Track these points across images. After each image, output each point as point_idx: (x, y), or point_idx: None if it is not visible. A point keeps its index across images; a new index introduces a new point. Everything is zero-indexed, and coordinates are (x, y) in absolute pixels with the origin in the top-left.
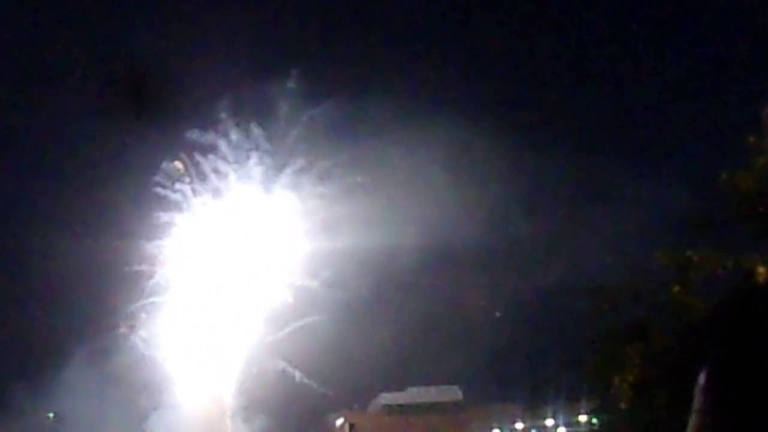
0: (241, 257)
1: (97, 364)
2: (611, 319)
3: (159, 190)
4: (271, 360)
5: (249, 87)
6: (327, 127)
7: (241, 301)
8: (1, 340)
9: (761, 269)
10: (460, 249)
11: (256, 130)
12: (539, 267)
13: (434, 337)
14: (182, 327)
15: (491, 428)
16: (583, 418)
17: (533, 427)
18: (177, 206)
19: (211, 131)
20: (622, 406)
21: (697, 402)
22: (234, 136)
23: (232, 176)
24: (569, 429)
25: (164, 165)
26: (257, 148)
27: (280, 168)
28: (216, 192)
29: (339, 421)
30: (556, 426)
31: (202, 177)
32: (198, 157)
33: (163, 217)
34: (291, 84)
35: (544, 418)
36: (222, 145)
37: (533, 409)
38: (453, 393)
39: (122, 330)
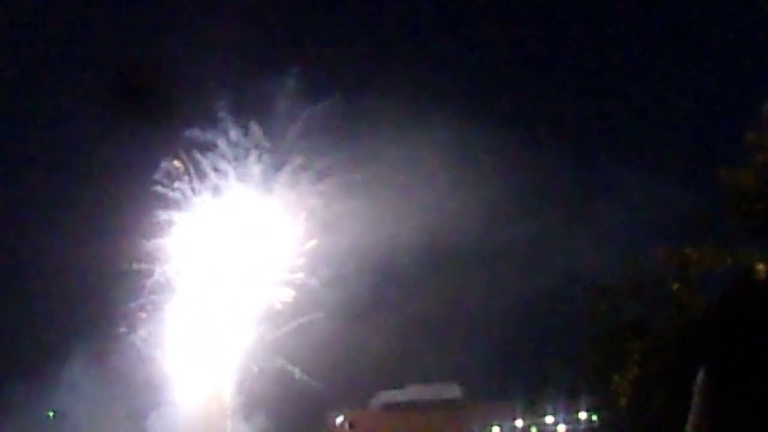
0: (240, 255)
1: (97, 363)
2: (611, 316)
3: (158, 188)
4: (271, 358)
5: (248, 85)
6: (326, 125)
7: (240, 300)
8: (2, 339)
9: (760, 266)
10: (459, 247)
11: (255, 129)
12: (539, 265)
13: (433, 334)
14: (182, 325)
15: (491, 425)
16: (582, 415)
17: (533, 424)
18: (176, 205)
19: (210, 129)
20: (622, 403)
21: (696, 399)
22: (233, 134)
23: (232, 174)
24: (569, 426)
25: (164, 163)
26: (256, 146)
27: (279, 166)
28: (215, 190)
29: (339, 419)
30: (556, 423)
31: (202, 175)
32: (197, 155)
33: (163, 215)
34: (290, 82)
35: (544, 415)
36: (221, 143)
37: (533, 406)
38: (452, 390)
39: (122, 328)
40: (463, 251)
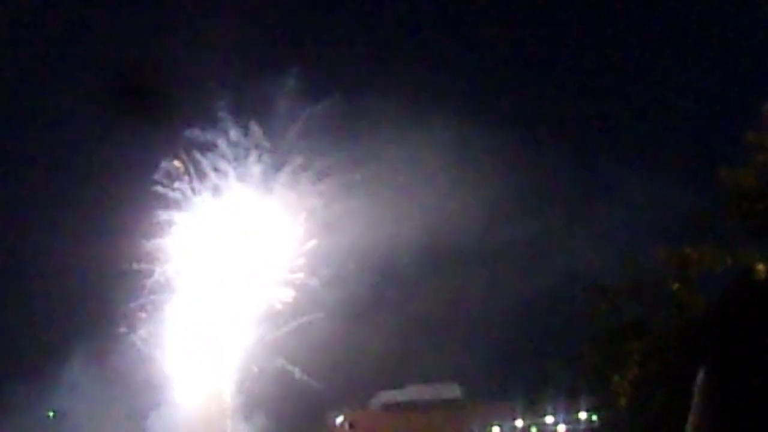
0: (240, 255)
1: (97, 363)
2: (611, 316)
3: (159, 188)
4: (271, 358)
5: (248, 85)
6: (326, 125)
7: (240, 300)
8: (2, 339)
9: (760, 266)
10: (459, 247)
11: (255, 129)
12: (539, 265)
13: (433, 334)
14: (182, 325)
15: (491, 425)
16: (583, 415)
17: (533, 424)
18: (176, 205)
19: (210, 129)
20: (622, 403)
21: (696, 399)
22: (233, 134)
23: (232, 174)
24: (569, 426)
25: (164, 163)
26: (256, 146)
27: (279, 166)
28: (215, 190)
29: (339, 419)
30: (556, 423)
31: (202, 175)
32: (197, 155)
33: (163, 215)
34: (290, 82)
35: (544, 415)
36: (221, 143)
37: (533, 406)
38: (453, 390)
39: (122, 328)
40: (463, 251)
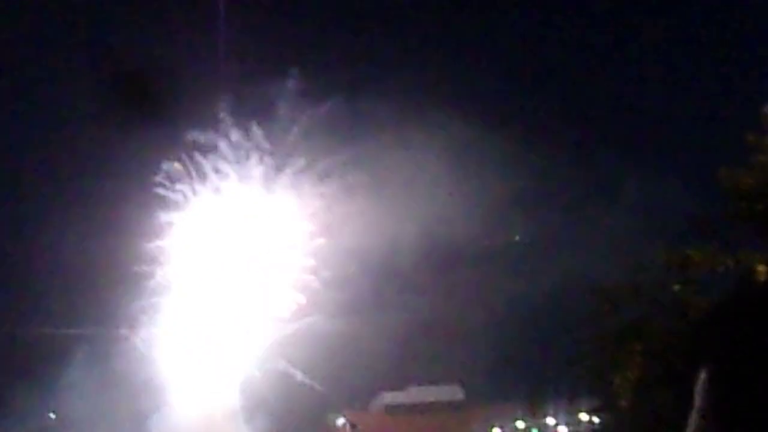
0: (241, 257)
1: (98, 365)
2: (612, 318)
3: (160, 190)
4: (272, 360)
5: (249, 87)
6: (327, 127)
7: (241, 301)
8: (3, 341)
9: (761, 267)
10: (460, 248)
11: (256, 130)
12: (540, 266)
13: (435, 336)
14: (183, 327)
15: (492, 427)
16: (583, 416)
17: (534, 426)
18: (178, 206)
19: (211, 131)
20: (623, 404)
21: (698, 401)
22: (234, 136)
23: (233, 176)
24: (570, 428)
25: (165, 165)
26: (257, 147)
27: (280, 168)
28: (216, 192)
29: (340, 421)
30: (557, 425)
31: (203, 177)
32: (198, 157)
33: (164, 217)
34: (291, 83)
35: (546, 417)
36: (222, 145)
37: (534, 408)
38: (454, 392)
39: (123, 330)
40: (464, 253)
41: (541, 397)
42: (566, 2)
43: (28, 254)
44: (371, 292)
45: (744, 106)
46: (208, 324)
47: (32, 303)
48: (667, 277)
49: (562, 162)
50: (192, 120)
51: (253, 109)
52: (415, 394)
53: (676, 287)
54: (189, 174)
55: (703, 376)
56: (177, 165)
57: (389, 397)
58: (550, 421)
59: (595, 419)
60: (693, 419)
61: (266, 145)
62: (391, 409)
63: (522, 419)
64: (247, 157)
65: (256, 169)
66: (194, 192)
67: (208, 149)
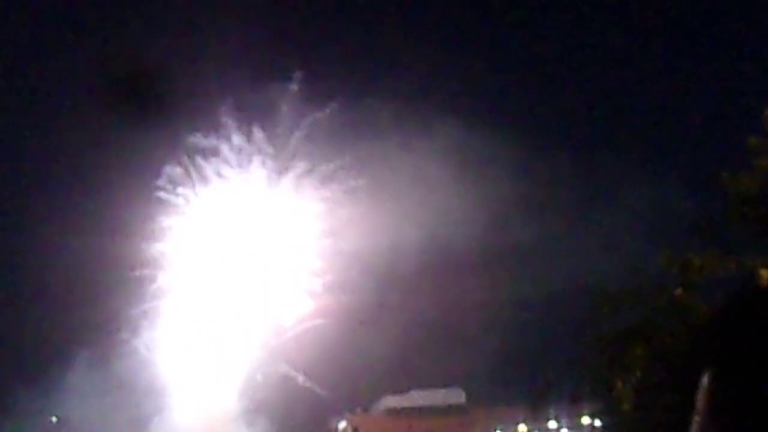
0: (243, 261)
1: (99, 368)
2: (614, 321)
3: (161, 193)
4: (274, 363)
5: (251, 90)
6: (329, 131)
7: (243, 305)
8: (5, 344)
9: (763, 272)
10: (463, 252)
11: (258, 134)
12: (542, 270)
13: (437, 339)
14: (185, 331)
15: (495, 430)
16: (586, 420)
17: (536, 429)
18: (179, 210)
19: (213, 135)
20: (625, 408)
21: (700, 404)
22: (236, 139)
23: (235, 180)
24: (572, 431)
25: (167, 169)
26: (260, 151)
27: (282, 171)
28: (218, 196)
29: (342, 425)
30: (559, 428)
31: (205, 181)
32: (200, 160)
33: (166, 220)
34: (293, 87)
35: (548, 420)
36: (224, 148)
37: (537, 412)
38: (456, 395)
39: (125, 334)
40: (466, 256)
41: (544, 400)
42: (570, 8)
43: (30, 258)
44: (373, 296)
45: (746, 109)
46: (209, 328)
47: (34, 307)
48: (669, 281)
49: (564, 166)
50: (194, 123)
51: (255, 113)
52: (417, 398)
53: (679, 291)
54: (191, 178)
55: (706, 380)
56: (179, 169)
57: (391, 401)
58: (552, 424)
59: (597, 422)
60: (696, 423)
61: (268, 149)
62: (393, 413)
63: (524, 423)
64: (249, 161)
65: (257, 172)
66: (196, 196)
67: (210, 153)
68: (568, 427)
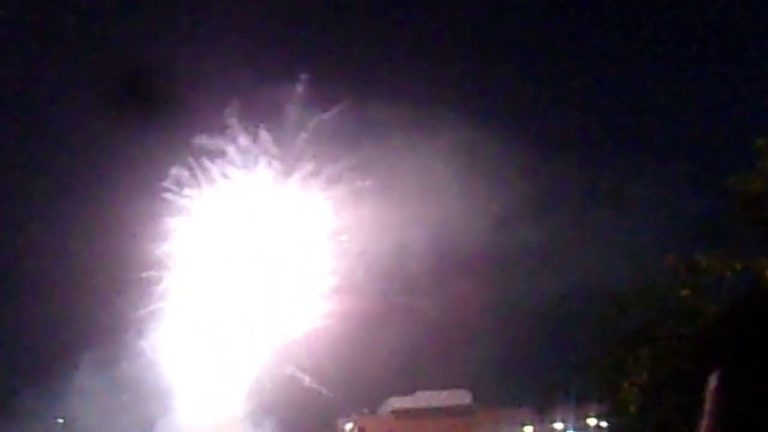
0: (249, 262)
1: (105, 370)
2: (620, 322)
3: (167, 195)
4: (281, 364)
5: (258, 92)
6: (336, 132)
7: (249, 306)
8: (10, 345)
9: None
10: (469, 253)
11: (264, 136)
12: (548, 271)
13: (443, 341)
14: (191, 332)
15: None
16: (592, 421)
17: (542, 431)
18: (185, 211)
19: (219, 136)
20: (631, 409)
21: (708, 405)
22: (242, 141)
23: (241, 181)
24: None
25: (172, 170)
26: (266, 152)
27: (288, 173)
28: (224, 197)
29: (348, 426)
30: (565, 429)
31: (211, 182)
32: (206, 162)
33: (172, 222)
34: (300, 89)
35: (554, 422)
36: (230, 150)
37: (543, 413)
38: (463, 397)
39: (131, 335)
40: (472, 258)
41: (550, 401)
42: (575, 9)
43: (36, 259)
44: (380, 297)
45: (754, 110)
46: (215, 329)
47: (39, 308)
48: (676, 283)
49: (570, 166)
50: (200, 125)
51: (261, 115)
52: (423, 399)
53: (685, 292)
54: (197, 179)
55: (714, 381)
56: (185, 170)
57: (398, 402)
58: (559, 425)
59: (604, 424)
60: (703, 424)
61: (274, 150)
62: (400, 414)
63: (530, 424)
64: (255, 162)
65: (263, 174)
66: (202, 197)
67: (216, 154)
68: (574, 429)
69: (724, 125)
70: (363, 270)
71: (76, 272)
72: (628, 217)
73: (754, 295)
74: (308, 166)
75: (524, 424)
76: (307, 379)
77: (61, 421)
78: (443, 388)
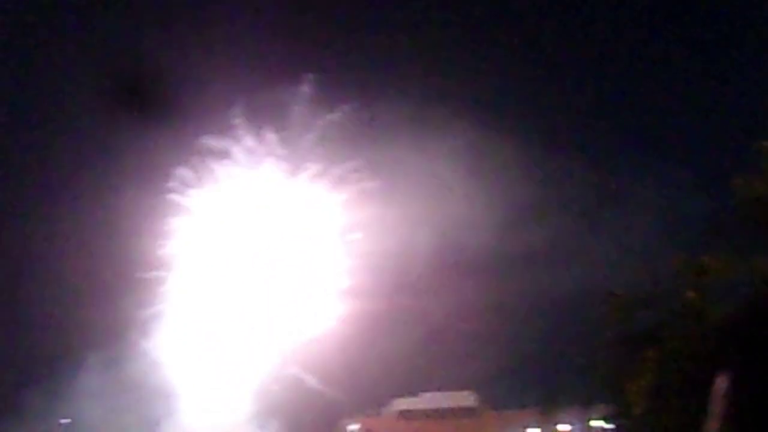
0: (254, 263)
1: (110, 370)
2: (626, 324)
3: (173, 195)
4: (286, 365)
5: (264, 92)
6: (342, 133)
7: (254, 307)
8: (15, 346)
9: None
10: (475, 254)
11: (270, 136)
12: (555, 273)
13: (449, 342)
14: (196, 333)
15: None
16: (597, 423)
17: None
18: (190, 212)
19: (225, 137)
20: (636, 411)
21: (717, 406)
22: (248, 141)
23: (246, 182)
24: None
25: (178, 171)
26: (272, 153)
27: (294, 173)
28: (230, 198)
29: (353, 427)
30: (570, 431)
31: (216, 183)
32: (212, 162)
33: (177, 222)
34: (305, 89)
35: (559, 424)
36: (236, 150)
37: (548, 415)
38: (468, 398)
39: (136, 335)
40: (478, 259)
41: (555, 403)
42: (585, 10)
43: (40, 259)
44: (385, 298)
45: (759, 112)
46: (220, 330)
47: (44, 308)
48: (682, 285)
49: (577, 168)
50: (206, 125)
51: (268, 115)
52: (428, 400)
53: (691, 294)
54: (202, 180)
55: (722, 383)
56: (190, 170)
57: (403, 403)
58: (564, 427)
59: (609, 426)
60: (712, 425)
61: (280, 151)
62: (405, 415)
63: (535, 426)
64: (261, 163)
65: (269, 174)
66: (207, 198)
67: (222, 155)
68: (580, 431)
69: (729, 127)
70: (369, 271)
71: (81, 273)
72: (634, 219)
73: (761, 298)
74: (314, 167)
75: (529, 426)
76: (312, 380)
77: (65, 421)
78: (448, 389)
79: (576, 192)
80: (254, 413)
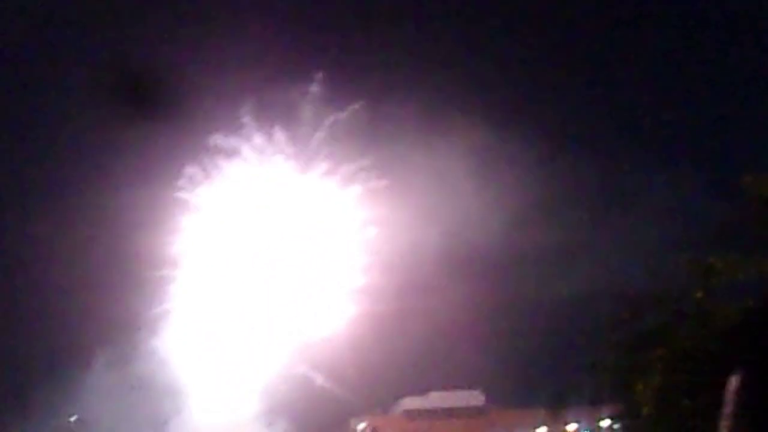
0: (263, 262)
1: (118, 368)
2: (634, 324)
3: (181, 193)
4: (294, 364)
5: (272, 91)
6: (351, 132)
7: (262, 305)
8: (24, 344)
9: None
10: (483, 253)
11: (279, 135)
12: (562, 272)
13: (457, 341)
14: (204, 331)
15: None
16: (605, 423)
17: None
18: (199, 210)
19: (234, 135)
20: (645, 411)
21: (730, 406)
22: (257, 140)
23: (256, 180)
24: None
25: (187, 169)
26: (281, 152)
27: (304, 172)
28: (238, 196)
29: (361, 426)
30: (578, 431)
31: (225, 181)
32: (221, 161)
33: (186, 220)
34: (314, 88)
35: (567, 423)
36: (245, 149)
37: (556, 414)
38: (475, 397)
39: (144, 334)
40: (486, 258)
41: (563, 402)
42: (595, 9)
43: (49, 258)
44: (394, 297)
45: None
46: (229, 328)
47: (53, 306)
48: (690, 285)
49: (586, 168)
50: (215, 124)
51: (276, 114)
52: (436, 400)
53: (699, 295)
54: (211, 178)
55: (736, 382)
56: (199, 169)
57: (410, 402)
58: (572, 427)
59: (617, 426)
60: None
61: (290, 149)
62: (413, 414)
63: (543, 425)
64: (270, 162)
65: (278, 173)
66: (216, 196)
67: (231, 153)
68: (588, 430)
69: (739, 127)
70: (378, 270)
71: (90, 271)
72: (643, 219)
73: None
74: (323, 165)
75: (537, 425)
76: (320, 379)
77: (74, 418)
78: (456, 388)
79: (585, 192)
80: (262, 412)
